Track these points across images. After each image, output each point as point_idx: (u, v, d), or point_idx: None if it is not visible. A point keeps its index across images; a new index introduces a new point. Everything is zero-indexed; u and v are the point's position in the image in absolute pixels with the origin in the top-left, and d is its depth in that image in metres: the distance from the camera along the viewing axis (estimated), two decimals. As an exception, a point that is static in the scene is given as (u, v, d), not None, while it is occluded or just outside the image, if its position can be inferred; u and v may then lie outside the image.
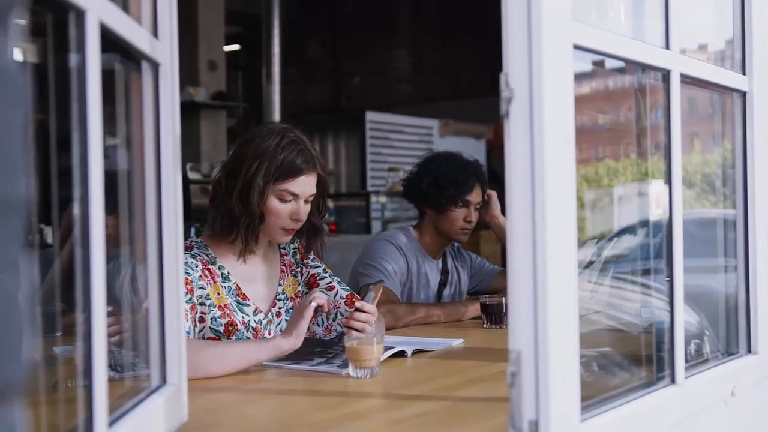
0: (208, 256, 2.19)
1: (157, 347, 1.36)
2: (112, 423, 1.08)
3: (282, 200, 2.16)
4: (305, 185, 2.17)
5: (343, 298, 2.32)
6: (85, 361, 0.99)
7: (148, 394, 1.30)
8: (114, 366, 1.31)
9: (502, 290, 2.96)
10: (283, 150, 2.13)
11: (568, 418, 1.19)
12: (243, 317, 2.17)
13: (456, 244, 3.16)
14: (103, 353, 1.01)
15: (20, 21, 0.61)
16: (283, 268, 2.34)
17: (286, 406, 1.68)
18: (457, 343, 2.33)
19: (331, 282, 2.36)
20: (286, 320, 2.27)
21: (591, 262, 2.29)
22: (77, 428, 1.00)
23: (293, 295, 2.33)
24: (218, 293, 2.15)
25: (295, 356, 2.03)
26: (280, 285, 2.31)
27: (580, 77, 1.30)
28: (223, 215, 2.17)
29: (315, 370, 1.92)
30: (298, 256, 2.38)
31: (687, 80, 1.57)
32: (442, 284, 3.11)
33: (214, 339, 2.12)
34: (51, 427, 1.13)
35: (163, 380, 1.36)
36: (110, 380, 1.05)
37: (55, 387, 1.27)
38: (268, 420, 1.59)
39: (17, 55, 0.60)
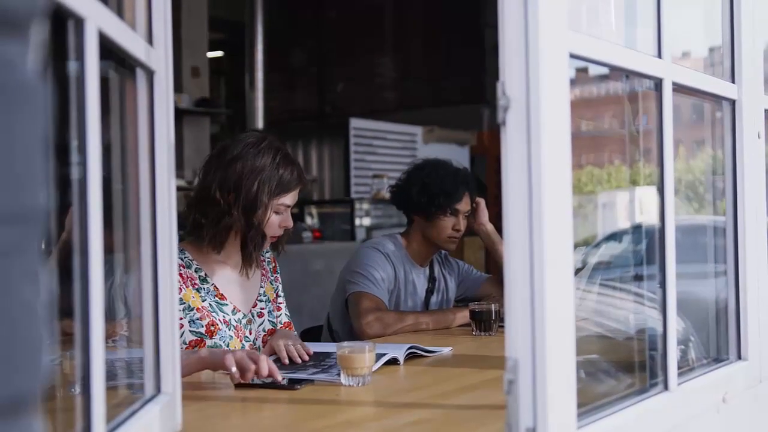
0: (183, 259, 2.23)
1: (151, 356, 1.35)
2: (109, 433, 1.07)
3: (277, 213, 2.25)
4: (296, 196, 2.30)
5: (281, 324, 2.40)
6: (83, 371, 0.99)
7: (143, 403, 1.29)
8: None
9: (490, 297, 2.96)
10: (279, 167, 2.23)
11: (565, 426, 1.19)
12: (224, 316, 2.23)
13: (443, 251, 3.16)
14: (101, 363, 1.00)
15: (39, 32, 0.61)
16: (264, 272, 2.42)
17: (279, 415, 1.67)
18: (447, 350, 2.33)
19: (281, 303, 2.47)
20: (269, 320, 2.36)
21: (578, 270, 2.30)
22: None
23: (272, 299, 2.42)
24: (194, 296, 2.19)
25: (290, 367, 2.02)
26: (262, 287, 2.39)
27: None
28: (223, 231, 2.22)
29: (312, 378, 1.90)
30: (271, 267, 2.47)
31: (677, 88, 1.58)
32: (430, 292, 3.11)
33: (196, 341, 2.14)
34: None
35: (158, 389, 1.35)
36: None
37: (51, 396, 1.25)
38: (260, 429, 1.58)
39: (36, 66, 0.60)
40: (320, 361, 2.09)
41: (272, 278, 2.45)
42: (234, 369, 1.78)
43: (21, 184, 0.56)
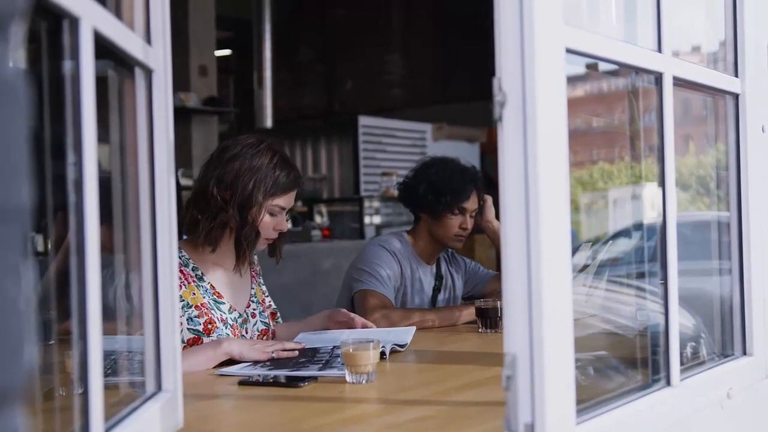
0: (180, 258, 2.25)
1: (152, 354, 1.35)
2: (108, 430, 1.07)
3: (271, 214, 2.29)
4: (292, 199, 2.33)
5: (258, 332, 2.40)
6: (81, 369, 0.99)
7: (143, 401, 1.29)
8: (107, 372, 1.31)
9: (497, 294, 2.95)
10: (276, 168, 2.26)
11: (563, 421, 1.19)
12: (221, 314, 2.27)
13: (450, 249, 3.16)
14: (98, 361, 1.01)
15: (21, 29, 0.61)
16: (254, 274, 2.47)
17: (281, 412, 1.68)
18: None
19: (268, 297, 2.51)
20: (261, 321, 2.40)
21: (586, 266, 2.30)
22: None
23: (261, 301, 2.45)
24: (194, 294, 2.24)
25: (287, 365, 2.02)
26: (252, 288, 2.43)
27: (573, 80, 1.30)
28: (218, 227, 2.25)
29: (317, 375, 1.90)
30: (258, 270, 2.51)
31: (679, 83, 1.57)
32: (437, 289, 3.11)
33: (194, 339, 2.18)
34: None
35: (159, 387, 1.35)
36: (105, 387, 1.05)
37: (49, 395, 1.26)
38: (263, 426, 1.58)
39: (17, 63, 0.60)
40: (312, 357, 2.09)
41: (259, 281, 2.50)
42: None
43: (3, 182, 0.57)
